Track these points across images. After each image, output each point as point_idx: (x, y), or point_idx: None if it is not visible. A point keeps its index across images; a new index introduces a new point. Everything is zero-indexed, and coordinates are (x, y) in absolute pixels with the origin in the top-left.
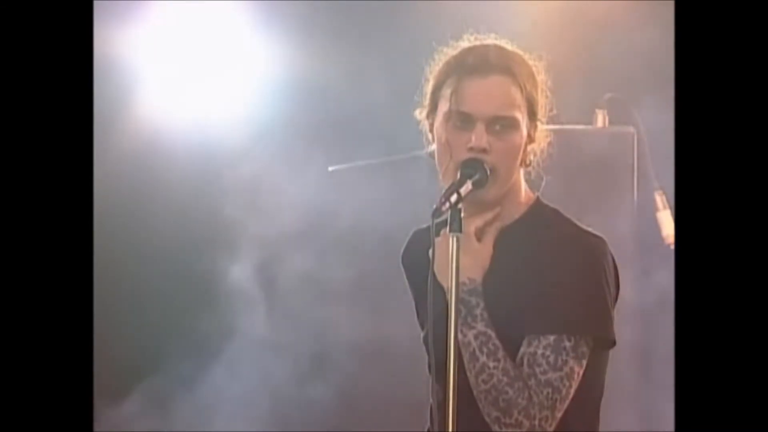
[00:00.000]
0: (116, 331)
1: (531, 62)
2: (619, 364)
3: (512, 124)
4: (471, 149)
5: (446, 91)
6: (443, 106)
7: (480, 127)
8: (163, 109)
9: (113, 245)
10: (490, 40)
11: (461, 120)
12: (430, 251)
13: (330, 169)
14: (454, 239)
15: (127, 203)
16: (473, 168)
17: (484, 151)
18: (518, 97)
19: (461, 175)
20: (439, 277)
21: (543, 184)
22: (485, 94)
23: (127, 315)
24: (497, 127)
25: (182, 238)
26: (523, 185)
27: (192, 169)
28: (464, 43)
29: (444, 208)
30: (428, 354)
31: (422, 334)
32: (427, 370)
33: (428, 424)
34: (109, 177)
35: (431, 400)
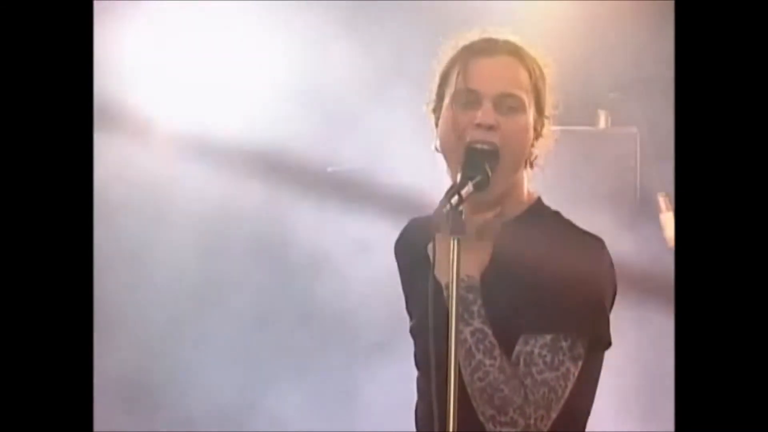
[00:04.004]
0: (116, 329)
1: (540, 58)
2: (619, 364)
3: (519, 106)
4: (479, 126)
5: (453, 75)
6: (450, 90)
7: (487, 104)
8: (162, 109)
9: (113, 245)
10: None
11: (468, 98)
12: (429, 246)
13: (329, 169)
14: (455, 241)
15: (126, 203)
16: (475, 170)
17: (491, 128)
18: (525, 81)
19: (462, 176)
20: (437, 274)
21: (543, 183)
22: (493, 71)
23: (127, 314)
24: (504, 107)
25: (183, 237)
26: (526, 186)
27: (192, 168)
28: (472, 35)
29: (445, 210)
30: (415, 345)
31: (410, 324)
32: (413, 362)
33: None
34: (108, 177)
35: (419, 397)
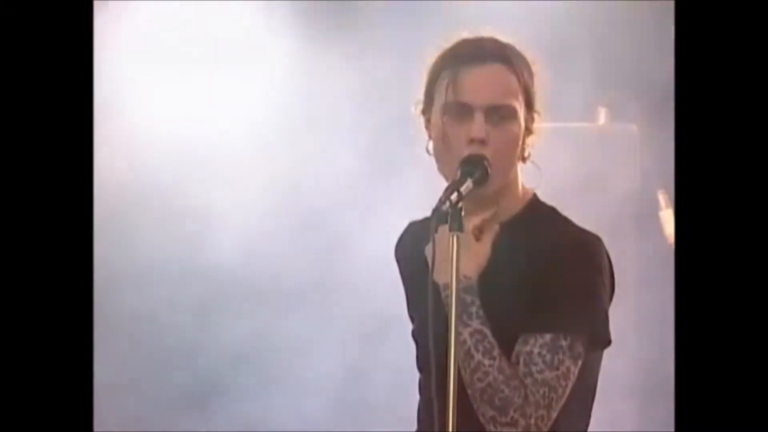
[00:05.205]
0: (116, 331)
1: (525, 54)
2: (619, 364)
3: (511, 114)
4: (471, 141)
5: (442, 83)
6: (439, 99)
7: (479, 117)
8: (163, 109)
9: (112, 245)
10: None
11: (459, 111)
12: (427, 248)
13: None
14: (455, 238)
15: (127, 204)
16: (473, 166)
17: (483, 142)
18: (515, 86)
19: (461, 173)
20: (435, 275)
21: (540, 179)
22: (482, 82)
23: (127, 315)
24: (495, 117)
25: (184, 237)
26: (520, 182)
27: (192, 167)
28: (457, 37)
29: (444, 208)
30: (417, 347)
31: (412, 328)
32: (415, 365)
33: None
34: (108, 176)
35: (421, 397)
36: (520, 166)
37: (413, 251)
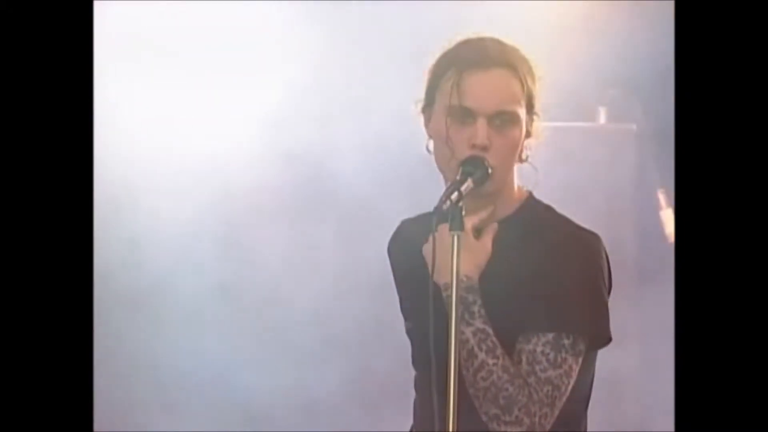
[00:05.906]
0: (116, 333)
1: (528, 56)
2: (619, 361)
3: (513, 119)
4: (473, 146)
5: (445, 85)
6: (443, 101)
7: (482, 122)
8: (163, 110)
9: (113, 248)
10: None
11: (462, 115)
12: (425, 248)
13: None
14: (455, 238)
15: (128, 205)
16: (474, 166)
17: (484, 147)
18: (519, 91)
19: (462, 173)
20: (436, 275)
21: (536, 179)
22: (487, 88)
23: (127, 317)
24: (497, 122)
25: (187, 239)
26: (516, 181)
27: (193, 168)
28: (460, 37)
29: (445, 207)
30: (413, 346)
31: (406, 325)
32: (410, 362)
33: (413, 421)
34: (109, 178)
35: (417, 394)
36: (516, 166)
37: (407, 249)
